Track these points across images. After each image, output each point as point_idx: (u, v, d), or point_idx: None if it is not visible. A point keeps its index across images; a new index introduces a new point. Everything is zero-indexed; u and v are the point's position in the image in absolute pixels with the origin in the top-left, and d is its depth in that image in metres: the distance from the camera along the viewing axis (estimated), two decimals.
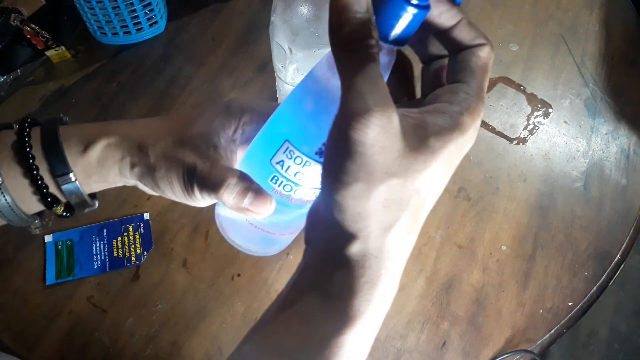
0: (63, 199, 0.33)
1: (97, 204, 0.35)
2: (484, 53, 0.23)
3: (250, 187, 0.29)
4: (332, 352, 0.23)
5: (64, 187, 0.31)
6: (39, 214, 0.34)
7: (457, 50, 0.24)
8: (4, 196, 0.30)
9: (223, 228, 0.34)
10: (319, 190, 0.28)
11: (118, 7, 0.70)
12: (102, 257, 0.59)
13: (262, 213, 0.29)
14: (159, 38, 0.78)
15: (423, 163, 0.21)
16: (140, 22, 0.74)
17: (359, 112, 0.20)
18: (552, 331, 0.57)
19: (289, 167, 0.28)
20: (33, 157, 0.31)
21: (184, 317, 0.56)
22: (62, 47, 0.74)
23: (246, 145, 0.33)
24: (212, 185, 0.30)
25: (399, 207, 0.22)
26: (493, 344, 0.56)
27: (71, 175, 0.31)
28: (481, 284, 0.59)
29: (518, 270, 0.60)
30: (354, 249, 0.22)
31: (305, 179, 0.28)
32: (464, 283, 0.59)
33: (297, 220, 0.32)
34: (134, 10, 0.72)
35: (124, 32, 0.75)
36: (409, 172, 0.21)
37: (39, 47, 0.73)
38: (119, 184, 0.34)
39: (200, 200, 0.31)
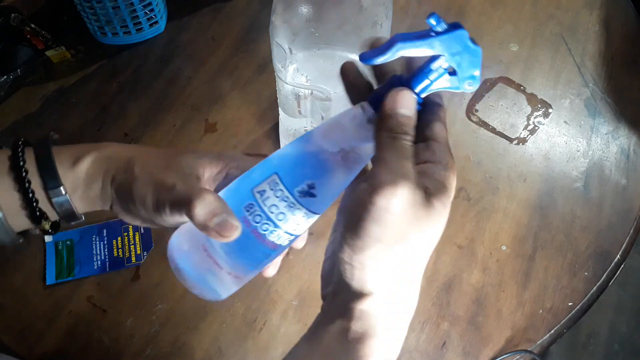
0: (52, 216, 0.34)
1: (83, 217, 0.36)
2: (442, 112, 0.29)
3: (224, 209, 0.30)
4: None
5: (55, 199, 0.33)
6: (24, 233, 0.35)
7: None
8: None
9: (174, 259, 0.32)
10: (294, 239, 0.31)
11: (118, 7, 0.70)
12: (102, 257, 0.59)
13: (225, 237, 0.29)
14: (159, 38, 0.78)
15: (431, 224, 0.26)
16: (140, 22, 0.74)
17: (389, 183, 0.24)
18: (552, 331, 0.57)
19: (268, 197, 0.29)
20: (26, 171, 0.32)
21: (184, 317, 0.56)
22: (62, 47, 0.74)
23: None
24: (187, 199, 0.30)
25: (407, 265, 0.26)
26: (493, 344, 0.56)
27: (62, 188, 0.33)
28: (481, 284, 0.59)
29: (518, 270, 0.60)
30: (366, 305, 0.27)
31: (278, 216, 0.29)
32: (464, 283, 0.59)
33: (258, 264, 0.32)
34: (134, 10, 0.72)
35: (124, 32, 0.75)
36: (419, 234, 0.26)
37: (39, 47, 0.73)
38: (98, 204, 0.35)
39: (167, 217, 0.32)
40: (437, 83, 0.28)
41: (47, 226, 0.34)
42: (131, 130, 0.69)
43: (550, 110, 0.73)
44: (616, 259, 0.62)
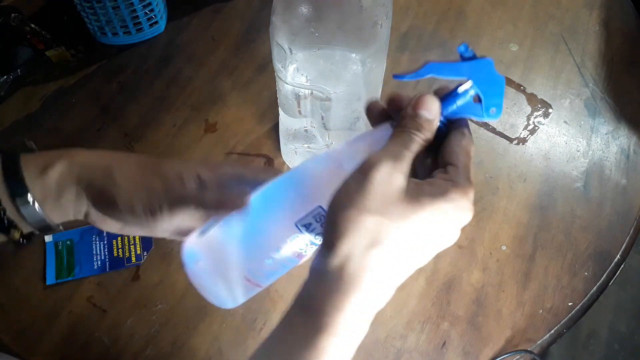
0: (23, 227, 0.33)
1: (61, 226, 0.35)
2: (465, 141, 0.30)
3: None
4: (311, 357, 0.26)
5: (23, 208, 0.31)
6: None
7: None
8: None
9: (197, 268, 0.32)
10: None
11: (118, 7, 0.70)
12: (102, 257, 0.59)
13: (242, 205, 0.30)
14: (159, 38, 0.78)
15: (410, 212, 0.26)
16: (140, 22, 0.74)
17: (379, 159, 0.26)
18: (552, 331, 0.57)
19: (314, 229, 0.30)
20: None
21: (184, 317, 0.56)
22: (62, 47, 0.74)
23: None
24: (189, 195, 0.31)
25: (382, 239, 0.26)
26: (493, 344, 0.56)
27: (29, 196, 0.31)
28: (481, 284, 0.59)
29: (518, 270, 0.60)
30: (334, 263, 0.26)
31: (318, 239, 0.30)
32: (464, 283, 0.59)
33: (283, 273, 0.33)
34: (134, 10, 0.72)
35: (124, 32, 0.75)
36: (398, 215, 0.26)
37: (39, 47, 0.73)
38: (71, 214, 0.34)
39: (163, 221, 0.32)
40: (462, 108, 0.29)
41: (16, 235, 0.33)
42: (131, 130, 0.69)
43: (550, 110, 0.73)
44: (616, 259, 0.62)
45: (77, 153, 0.34)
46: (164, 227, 0.33)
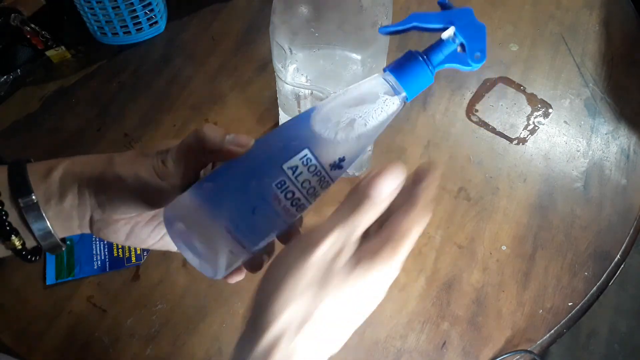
0: (26, 236, 0.32)
1: (64, 247, 0.34)
2: (414, 214, 0.29)
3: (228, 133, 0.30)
4: None
5: (27, 214, 0.31)
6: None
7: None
8: None
9: (177, 227, 0.30)
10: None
11: (118, 7, 0.70)
12: (102, 257, 0.59)
13: (243, 145, 0.30)
14: (159, 38, 0.78)
15: (341, 286, 0.27)
16: (140, 22, 0.74)
17: (322, 235, 0.27)
18: (552, 331, 0.57)
19: (300, 173, 0.29)
20: None
21: (184, 317, 0.56)
22: (62, 47, 0.74)
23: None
24: (189, 138, 0.30)
25: (313, 316, 0.26)
26: (493, 344, 0.56)
27: (33, 196, 0.31)
28: (481, 284, 0.59)
29: (518, 270, 0.60)
30: (263, 345, 0.26)
31: (309, 191, 0.29)
32: (464, 283, 0.59)
33: (270, 238, 0.31)
34: (134, 10, 0.72)
35: (124, 32, 0.75)
36: (332, 290, 0.26)
37: (39, 47, 0.73)
38: (74, 222, 0.33)
39: (172, 172, 0.30)
40: (449, 58, 0.30)
41: (17, 243, 0.31)
42: (131, 130, 0.69)
43: (550, 110, 0.73)
44: (616, 259, 0.62)
45: (78, 157, 0.34)
46: (177, 172, 0.31)
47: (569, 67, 0.77)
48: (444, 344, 0.56)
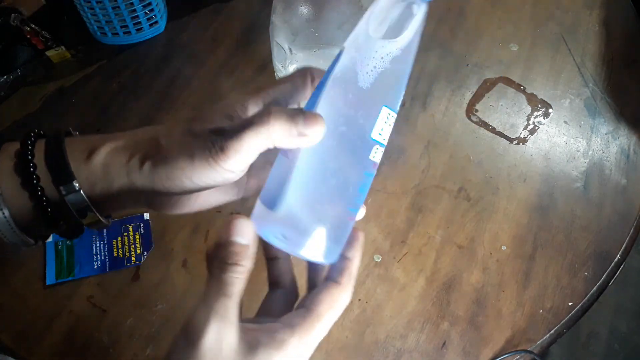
0: (72, 219, 0.30)
1: (110, 221, 0.32)
2: (337, 292, 0.29)
3: (295, 109, 0.28)
4: None
5: (68, 197, 0.28)
6: (40, 237, 0.31)
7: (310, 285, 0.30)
8: (0, 209, 0.28)
9: (281, 228, 0.28)
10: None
11: (118, 7, 0.70)
12: (102, 257, 0.59)
13: (316, 131, 0.27)
14: (159, 38, 0.78)
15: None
16: (140, 22, 0.74)
17: (202, 322, 0.26)
18: (552, 331, 0.57)
19: (385, 131, 0.28)
20: (34, 166, 0.28)
21: (184, 317, 0.56)
22: (62, 47, 0.74)
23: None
24: (251, 122, 0.26)
25: None
26: (493, 344, 0.56)
27: (75, 183, 0.28)
28: (481, 284, 0.59)
29: (518, 270, 0.60)
30: None
31: (385, 137, 0.29)
32: (464, 283, 0.59)
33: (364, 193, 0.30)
34: (134, 10, 0.72)
35: (124, 32, 0.75)
36: None
37: (39, 47, 0.73)
38: (128, 203, 0.31)
39: (231, 159, 0.27)
40: None
41: (63, 228, 0.30)
42: None
43: (550, 110, 0.73)
44: (616, 259, 0.62)
45: (121, 135, 0.30)
46: (238, 164, 0.28)
47: (569, 67, 0.77)
48: (444, 344, 0.56)
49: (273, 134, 0.27)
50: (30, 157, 0.29)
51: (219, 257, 0.26)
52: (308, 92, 0.30)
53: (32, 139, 0.30)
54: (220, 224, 0.62)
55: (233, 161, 0.27)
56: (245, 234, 0.27)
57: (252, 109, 0.29)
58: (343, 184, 0.28)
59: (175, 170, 0.28)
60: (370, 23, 0.29)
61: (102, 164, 0.29)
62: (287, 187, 0.28)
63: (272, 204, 0.28)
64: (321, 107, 0.28)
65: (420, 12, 0.29)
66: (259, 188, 0.33)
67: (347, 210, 0.29)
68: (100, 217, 0.30)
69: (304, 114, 0.27)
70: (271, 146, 0.27)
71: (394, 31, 0.29)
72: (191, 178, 0.28)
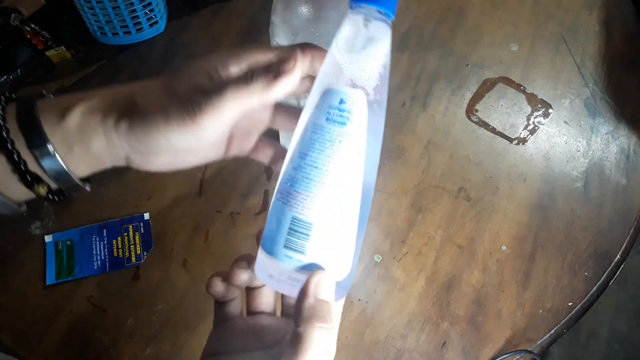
0: (50, 182, 0.29)
1: (88, 187, 0.31)
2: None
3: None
4: None
5: (44, 162, 0.28)
6: (36, 207, 0.31)
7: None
8: None
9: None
10: None
11: (118, 7, 0.70)
12: (102, 257, 0.59)
13: (291, 70, 0.27)
14: (159, 38, 0.78)
15: None
16: (140, 22, 0.74)
17: None
18: (552, 331, 0.57)
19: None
20: (7, 130, 0.28)
21: (184, 317, 0.56)
22: (62, 47, 0.74)
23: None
24: (232, 83, 0.26)
25: None
26: (493, 344, 0.56)
27: (49, 146, 0.28)
28: (481, 284, 0.59)
29: (518, 270, 0.60)
30: None
31: None
32: (464, 283, 0.59)
33: None
34: (134, 10, 0.72)
35: (124, 32, 0.75)
36: None
37: (39, 47, 0.73)
38: (107, 161, 0.30)
39: (208, 117, 0.26)
40: None
41: (42, 190, 0.29)
42: None
43: (550, 110, 0.73)
44: (616, 259, 0.62)
45: (95, 93, 0.30)
46: (215, 123, 0.27)
47: (569, 67, 0.77)
48: (444, 344, 0.56)
49: (253, 96, 0.26)
50: (2, 121, 0.28)
51: (320, 316, 0.27)
52: (299, 66, 0.29)
53: (3, 103, 0.29)
54: (221, 224, 0.62)
55: (210, 120, 0.27)
56: (330, 292, 0.27)
57: (234, 70, 0.29)
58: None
59: (152, 129, 0.27)
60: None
61: (78, 125, 0.28)
62: (283, 234, 0.28)
63: (271, 251, 0.28)
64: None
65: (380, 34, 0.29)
66: (241, 152, 0.34)
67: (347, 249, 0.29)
68: (77, 180, 0.30)
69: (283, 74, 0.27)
70: (249, 107, 0.27)
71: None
72: (167, 137, 0.27)
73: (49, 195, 0.30)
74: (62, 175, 0.29)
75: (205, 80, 0.29)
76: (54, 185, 0.30)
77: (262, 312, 0.35)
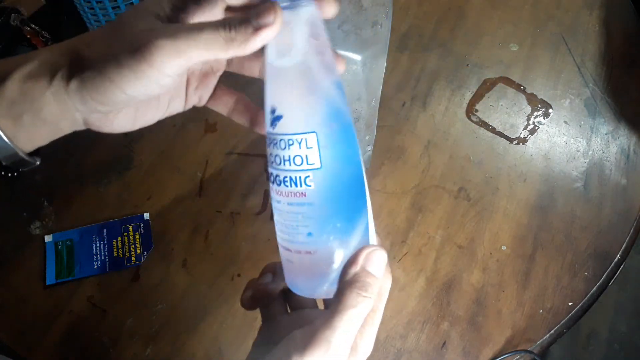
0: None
1: (38, 161, 0.29)
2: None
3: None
4: None
5: None
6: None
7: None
8: None
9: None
10: None
11: (118, 7, 0.70)
12: (102, 257, 0.59)
13: (272, 23, 0.25)
14: None
15: None
16: None
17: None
18: (552, 331, 0.57)
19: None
20: None
21: (184, 317, 0.56)
22: None
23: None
24: (190, 27, 0.24)
25: None
26: (493, 344, 0.56)
27: None
28: (481, 284, 0.59)
29: (518, 270, 0.60)
30: None
31: None
32: (464, 283, 0.59)
33: None
34: None
35: None
36: None
37: (39, 47, 0.73)
38: (65, 127, 0.28)
39: (162, 58, 0.24)
40: None
41: None
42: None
43: (550, 110, 0.73)
44: (616, 259, 0.62)
45: (32, 55, 0.27)
46: (172, 64, 0.25)
47: (569, 67, 0.77)
48: (444, 344, 0.56)
49: (229, 49, 0.25)
50: None
51: (361, 285, 0.26)
52: (279, 18, 0.26)
53: None
54: (220, 224, 0.62)
55: (166, 59, 0.24)
56: (381, 267, 0.28)
57: (184, 8, 0.27)
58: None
59: (105, 83, 0.25)
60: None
61: (21, 92, 0.26)
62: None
63: (312, 294, 0.30)
64: None
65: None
66: (200, 101, 0.33)
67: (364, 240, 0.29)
68: (23, 155, 0.28)
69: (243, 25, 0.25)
70: (222, 57, 0.26)
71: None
72: (123, 89, 0.25)
73: (2, 172, 0.29)
74: (3, 150, 0.27)
75: (156, 22, 0.26)
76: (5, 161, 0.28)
77: (304, 308, 0.36)
